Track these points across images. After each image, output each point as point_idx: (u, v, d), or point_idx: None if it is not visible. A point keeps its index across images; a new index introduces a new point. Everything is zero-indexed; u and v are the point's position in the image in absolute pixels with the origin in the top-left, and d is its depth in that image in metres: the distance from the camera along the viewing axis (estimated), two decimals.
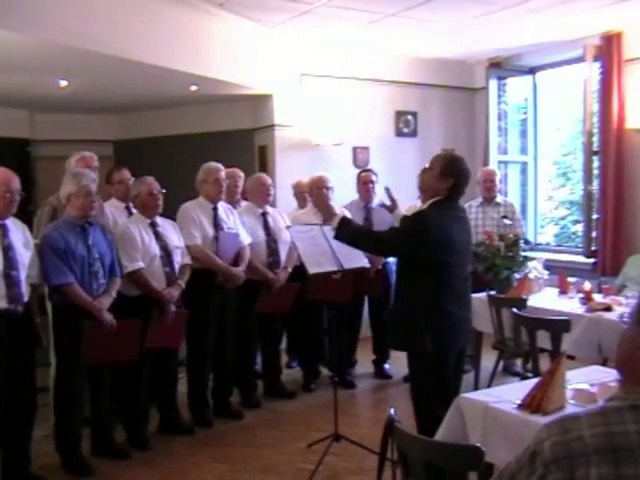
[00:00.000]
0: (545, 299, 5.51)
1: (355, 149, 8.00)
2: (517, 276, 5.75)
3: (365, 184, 6.28)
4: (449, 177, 3.76)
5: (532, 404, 2.87)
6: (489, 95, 8.09)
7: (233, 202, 5.77)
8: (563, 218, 9.24)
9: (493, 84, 8.14)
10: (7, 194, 4.00)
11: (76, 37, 5.49)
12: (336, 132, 7.68)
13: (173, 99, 8.19)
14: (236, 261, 5.26)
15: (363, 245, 4.00)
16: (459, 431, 3.06)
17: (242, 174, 5.91)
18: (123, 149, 9.39)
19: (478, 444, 2.37)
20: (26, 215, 4.86)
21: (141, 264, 4.71)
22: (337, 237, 3.87)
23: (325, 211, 4.01)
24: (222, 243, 5.18)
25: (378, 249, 4.07)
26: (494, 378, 5.58)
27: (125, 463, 4.52)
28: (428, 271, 3.72)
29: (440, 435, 3.11)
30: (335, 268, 4.55)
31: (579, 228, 8.39)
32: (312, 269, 4.50)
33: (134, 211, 5.08)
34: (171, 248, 4.89)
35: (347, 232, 3.83)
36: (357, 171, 6.75)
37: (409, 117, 8.33)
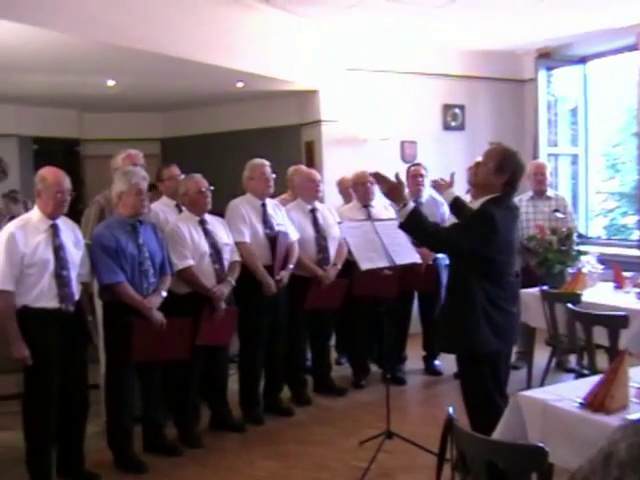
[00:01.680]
0: (600, 294, 5.38)
1: (403, 143, 7.94)
2: (570, 270, 5.63)
3: (415, 177, 6.21)
4: (505, 172, 3.63)
5: (595, 403, 2.79)
6: (538, 86, 7.95)
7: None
8: (611, 210, 9.03)
9: (542, 75, 7.99)
10: (58, 194, 4.03)
11: (122, 36, 5.53)
12: (383, 127, 7.63)
13: (219, 96, 8.22)
14: (285, 258, 5.23)
15: (428, 240, 3.77)
16: (518, 430, 2.99)
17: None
18: (170, 147, 9.47)
19: (541, 444, 2.30)
20: (76, 214, 4.90)
21: (191, 262, 4.72)
22: (403, 226, 3.64)
23: (398, 197, 3.64)
24: (279, 242, 5.16)
25: (443, 246, 3.84)
26: (547, 375, 5.47)
27: (176, 460, 4.54)
28: (487, 270, 3.62)
29: (498, 433, 3.05)
30: (387, 264, 4.51)
31: (629, 221, 8.19)
32: (364, 265, 4.47)
33: (184, 208, 5.08)
34: (220, 245, 4.88)
35: (416, 223, 3.60)
36: (405, 166, 6.68)
37: (457, 110, 8.24)
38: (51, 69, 6.52)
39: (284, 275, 5.18)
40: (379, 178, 3.74)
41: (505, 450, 2.41)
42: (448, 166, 7.26)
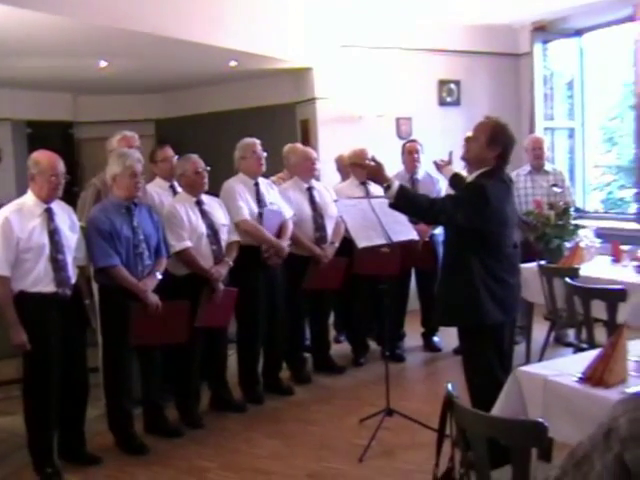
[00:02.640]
0: (598, 268, 5.37)
1: (398, 120, 7.90)
2: (568, 245, 5.62)
3: (410, 154, 6.19)
4: (497, 145, 3.63)
5: (594, 377, 2.78)
6: (534, 60, 7.89)
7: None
8: (609, 184, 9.01)
9: (538, 48, 7.92)
10: (52, 177, 4.00)
11: (114, 17, 5.48)
12: (378, 103, 7.58)
13: (213, 76, 8.17)
14: (279, 236, 5.22)
15: (422, 214, 3.79)
16: (518, 405, 3.00)
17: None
18: (165, 128, 9.42)
19: (541, 419, 2.31)
20: (71, 197, 4.88)
21: (189, 243, 4.70)
22: (394, 205, 3.64)
23: (381, 179, 3.69)
24: (266, 220, 5.15)
25: (437, 219, 3.84)
26: (546, 349, 5.47)
27: (178, 441, 4.55)
28: (484, 242, 3.63)
29: (498, 409, 3.05)
30: (384, 241, 4.50)
31: (626, 194, 8.17)
32: (361, 243, 4.46)
33: (179, 190, 5.06)
34: (217, 226, 4.87)
35: (405, 200, 3.61)
36: (400, 142, 6.67)
37: (452, 86, 8.19)
38: (44, 52, 6.47)
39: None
40: (355, 167, 3.79)
41: (505, 426, 2.41)
42: (444, 142, 7.26)
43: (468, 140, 3.80)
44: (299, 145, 6.30)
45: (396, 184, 3.59)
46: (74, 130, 9.23)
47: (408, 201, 3.62)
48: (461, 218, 3.57)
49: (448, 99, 8.19)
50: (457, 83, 8.21)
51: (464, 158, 3.89)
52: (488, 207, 3.54)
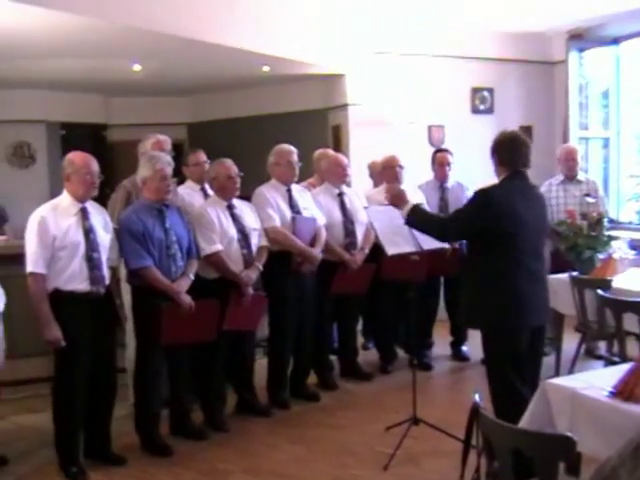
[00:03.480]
0: (631, 280, 5.28)
1: (430, 127, 7.88)
2: (600, 256, 5.54)
3: (442, 165, 6.16)
4: (494, 154, 3.86)
5: (625, 391, 2.73)
6: (569, 68, 7.80)
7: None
8: None
9: (573, 56, 7.83)
10: (87, 176, 4.05)
11: (149, 21, 5.54)
12: (410, 110, 7.56)
13: (245, 80, 8.21)
14: (312, 243, 5.21)
15: (432, 232, 4.01)
16: (545, 418, 2.95)
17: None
18: (197, 131, 9.48)
19: (569, 433, 2.26)
20: (104, 198, 4.91)
21: (219, 247, 4.71)
22: (407, 224, 4.00)
23: (397, 199, 4.00)
24: (299, 227, 5.14)
25: (446, 235, 4.07)
26: (576, 362, 5.40)
27: (202, 444, 4.55)
28: (495, 246, 3.71)
29: (525, 421, 3.01)
30: (414, 249, 4.47)
31: None
32: (390, 250, 4.44)
33: (210, 193, 5.07)
34: (248, 230, 4.87)
35: (418, 219, 3.93)
36: (432, 150, 6.63)
37: (485, 93, 8.15)
38: (78, 54, 6.55)
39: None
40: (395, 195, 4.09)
41: (532, 439, 2.37)
42: (477, 150, 7.22)
43: None
44: (330, 151, 6.28)
45: (410, 204, 3.91)
46: (107, 132, 9.32)
47: (419, 220, 3.94)
48: (468, 227, 3.78)
49: (481, 107, 8.14)
50: (490, 91, 8.16)
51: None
52: (490, 208, 3.66)
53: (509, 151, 3.81)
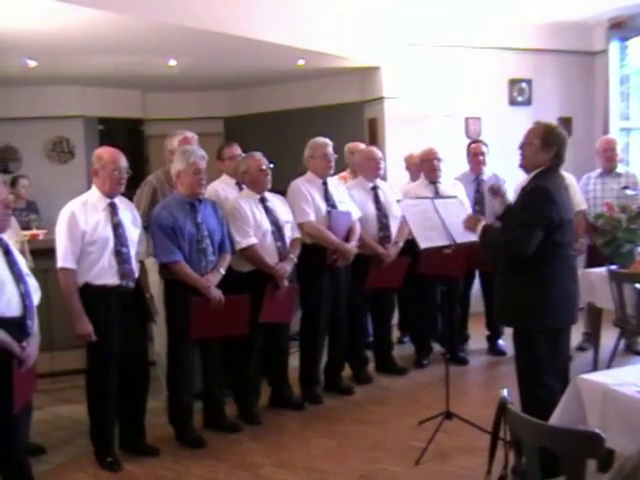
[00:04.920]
0: None
1: (467, 120, 7.81)
2: None
3: (475, 156, 6.11)
4: (552, 147, 3.65)
5: None
6: (609, 58, 7.67)
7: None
8: None
9: (614, 46, 7.70)
10: (115, 172, 4.09)
11: (183, 16, 5.57)
12: (447, 103, 7.49)
13: (281, 74, 8.21)
14: (347, 237, 5.19)
15: (504, 250, 3.72)
16: (577, 414, 2.90)
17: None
18: (233, 125, 9.52)
19: (597, 430, 2.22)
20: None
21: (254, 240, 4.72)
22: (482, 247, 3.92)
23: (471, 224, 3.93)
24: (334, 221, 5.13)
25: (523, 249, 3.56)
26: (614, 357, 5.30)
27: (235, 437, 4.58)
28: (543, 242, 3.54)
29: (556, 417, 2.97)
30: (447, 242, 4.43)
31: None
32: (423, 244, 4.40)
33: (244, 187, 5.09)
34: (282, 223, 4.88)
35: (489, 240, 3.79)
36: (469, 142, 6.56)
37: (523, 85, 8.04)
38: (115, 51, 6.62)
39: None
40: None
41: (559, 435, 2.33)
42: (514, 142, 7.11)
43: (522, 147, 3.76)
44: (360, 144, 6.25)
45: (480, 225, 3.81)
46: (144, 127, 9.41)
47: (491, 241, 3.77)
48: (539, 237, 3.53)
49: (519, 98, 8.04)
50: (529, 82, 8.05)
51: (522, 166, 3.82)
52: (555, 207, 3.52)
53: (565, 144, 3.69)
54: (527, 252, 3.54)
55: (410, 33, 7.41)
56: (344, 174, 6.04)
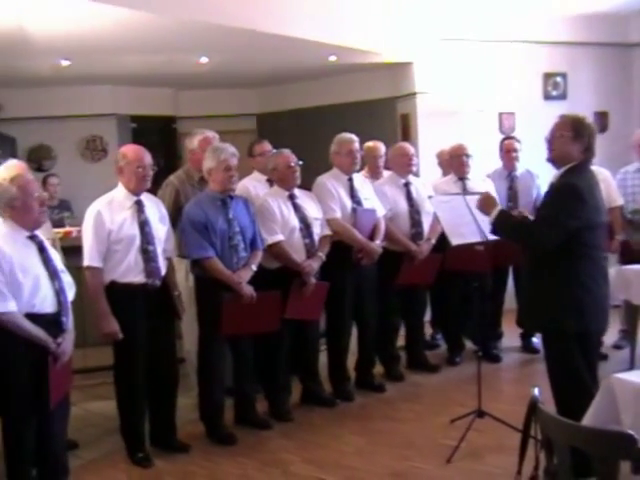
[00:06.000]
0: None
1: (501, 115, 7.74)
2: None
3: (508, 152, 6.06)
4: (582, 138, 3.53)
5: None
6: None
7: (376, 175, 5.69)
8: None
9: None
10: (140, 169, 4.11)
11: (214, 14, 5.59)
12: (480, 98, 7.43)
13: (313, 70, 8.20)
14: (372, 235, 5.16)
15: (523, 239, 3.67)
16: (610, 414, 2.84)
17: (383, 148, 5.76)
18: (265, 122, 9.53)
19: (631, 431, 2.17)
20: None
21: (281, 237, 4.72)
22: (494, 231, 3.73)
23: (485, 204, 3.76)
24: (360, 219, 5.10)
25: (543, 242, 3.49)
26: None
27: (266, 434, 4.58)
28: (568, 242, 3.44)
29: (589, 417, 2.90)
30: (479, 239, 4.37)
31: None
32: (455, 240, 4.37)
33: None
34: (310, 220, 4.87)
35: (505, 226, 3.66)
36: (502, 138, 6.49)
37: (558, 79, 7.93)
38: (147, 49, 6.66)
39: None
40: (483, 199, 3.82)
41: (590, 436, 2.28)
42: None
43: (550, 141, 3.66)
44: (379, 143, 6.06)
45: (496, 209, 3.64)
46: (176, 124, 9.46)
47: (507, 226, 3.65)
48: (563, 229, 3.42)
49: (554, 93, 7.94)
50: (563, 76, 7.95)
51: (550, 160, 3.73)
52: (585, 207, 3.42)
53: (594, 137, 3.59)
54: (545, 248, 3.47)
55: (442, 28, 7.35)
56: (364, 173, 5.96)
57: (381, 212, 5.27)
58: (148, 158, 4.16)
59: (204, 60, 7.24)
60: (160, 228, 4.23)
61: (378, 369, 5.57)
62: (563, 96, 7.94)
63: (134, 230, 4.08)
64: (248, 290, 4.39)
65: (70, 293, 3.70)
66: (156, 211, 4.26)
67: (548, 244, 3.46)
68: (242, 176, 4.91)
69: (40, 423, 3.53)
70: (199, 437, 4.49)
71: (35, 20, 5.45)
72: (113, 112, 8.77)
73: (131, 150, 4.19)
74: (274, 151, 5.18)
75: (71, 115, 8.54)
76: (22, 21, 5.44)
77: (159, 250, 4.18)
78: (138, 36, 6.04)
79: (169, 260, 4.35)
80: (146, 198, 4.23)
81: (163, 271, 4.21)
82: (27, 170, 4.27)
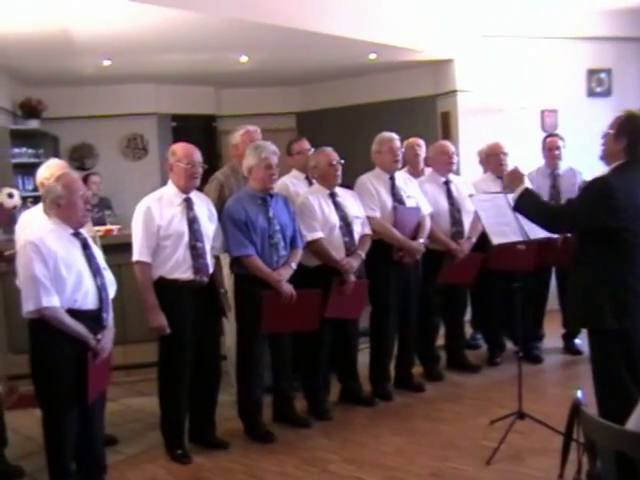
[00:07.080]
0: None
1: (543, 112, 7.65)
2: None
3: (551, 150, 5.97)
4: (622, 137, 3.46)
5: None
6: None
7: (417, 173, 5.66)
8: None
9: None
10: (189, 166, 4.13)
11: (255, 12, 5.62)
12: (522, 95, 7.35)
13: (353, 68, 8.19)
14: (415, 233, 5.13)
15: (540, 220, 3.69)
16: None
17: (422, 143, 5.74)
18: (305, 120, 9.54)
19: None
20: None
21: (320, 234, 4.71)
22: (516, 208, 3.73)
23: (513, 179, 3.77)
24: (400, 217, 5.06)
25: (555, 225, 3.67)
26: None
27: (305, 432, 4.58)
28: (610, 241, 3.42)
29: (633, 421, 2.84)
30: (520, 238, 4.32)
31: None
32: (496, 239, 4.31)
33: (314, 181, 5.08)
34: (351, 218, 4.84)
35: (527, 204, 3.65)
36: (545, 136, 6.41)
37: (602, 75, 7.80)
38: (188, 48, 6.72)
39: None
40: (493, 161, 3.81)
41: (635, 440, 2.23)
42: (593, 135, 6.89)
43: (603, 137, 3.61)
44: (418, 139, 6.02)
45: (522, 187, 3.65)
46: (217, 123, 9.52)
47: (529, 205, 3.65)
48: (585, 219, 3.44)
49: (598, 89, 7.81)
50: (608, 72, 7.82)
51: (602, 157, 3.67)
52: (613, 201, 3.35)
53: (638, 139, 3.49)
54: (559, 228, 3.83)
55: (483, 24, 7.29)
56: (405, 170, 5.93)
57: (426, 210, 5.24)
58: (197, 155, 4.18)
59: (244, 59, 7.28)
60: (208, 226, 4.26)
61: (417, 369, 5.53)
62: (608, 93, 7.81)
63: (183, 226, 4.11)
64: (288, 288, 4.39)
65: (111, 290, 3.74)
66: (205, 209, 4.29)
67: (561, 227, 3.69)
68: (281, 174, 4.91)
69: (80, 418, 3.58)
70: (238, 434, 4.50)
71: (79, 21, 5.52)
72: (154, 111, 8.87)
73: (180, 147, 4.21)
74: (312, 149, 5.19)
75: (113, 114, 8.67)
76: (66, 23, 5.51)
77: (207, 247, 4.20)
78: (180, 35, 6.09)
79: (216, 258, 4.37)
80: (195, 196, 4.26)
81: (211, 268, 4.23)
82: (68, 168, 4.32)
